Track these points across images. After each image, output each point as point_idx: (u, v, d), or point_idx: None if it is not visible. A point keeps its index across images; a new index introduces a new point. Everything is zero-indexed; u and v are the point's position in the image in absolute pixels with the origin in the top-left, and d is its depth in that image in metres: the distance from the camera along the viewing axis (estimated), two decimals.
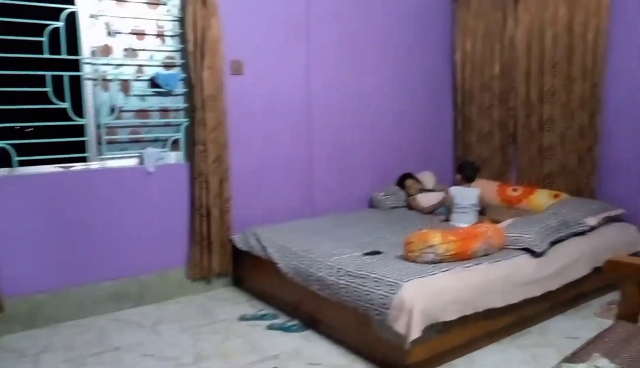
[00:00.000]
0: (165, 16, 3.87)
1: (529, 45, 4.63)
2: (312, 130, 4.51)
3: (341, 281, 2.97)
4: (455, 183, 4.38)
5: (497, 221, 3.66)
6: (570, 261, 3.36)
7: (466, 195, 4.15)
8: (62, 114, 3.53)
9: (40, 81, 3.45)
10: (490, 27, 4.95)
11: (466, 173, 4.34)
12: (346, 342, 3.07)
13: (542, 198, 4.24)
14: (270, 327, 3.34)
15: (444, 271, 2.89)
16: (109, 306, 3.68)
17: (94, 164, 3.67)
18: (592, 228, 3.69)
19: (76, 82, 3.58)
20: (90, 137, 3.64)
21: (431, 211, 4.49)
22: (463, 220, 4.04)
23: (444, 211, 4.37)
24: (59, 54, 3.48)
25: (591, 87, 4.23)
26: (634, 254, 3.80)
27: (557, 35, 4.41)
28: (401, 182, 4.85)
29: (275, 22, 4.24)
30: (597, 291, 3.66)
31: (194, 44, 3.74)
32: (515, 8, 4.72)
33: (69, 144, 3.61)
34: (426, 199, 4.63)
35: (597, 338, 1.90)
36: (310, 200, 4.56)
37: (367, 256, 3.20)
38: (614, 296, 3.55)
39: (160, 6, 3.85)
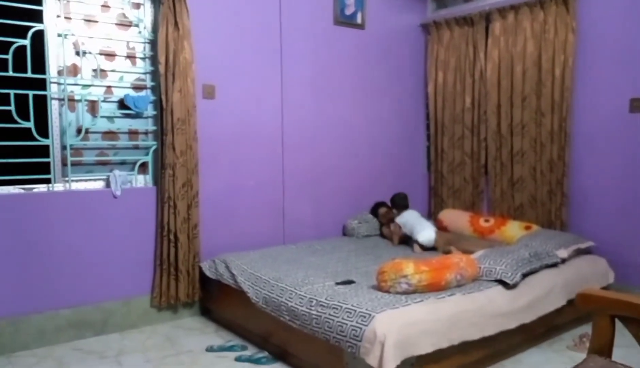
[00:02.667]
0: (137, 38, 3.81)
1: (499, 79, 4.71)
2: (284, 157, 4.47)
3: (312, 312, 2.89)
4: (396, 215, 4.67)
5: (469, 252, 3.64)
6: (543, 293, 3.34)
7: (412, 216, 4.51)
8: (25, 133, 3.41)
9: (4, 99, 3.32)
10: (461, 60, 5.03)
11: (399, 204, 4.77)
12: None
13: (513, 229, 4.25)
14: (238, 359, 3.22)
15: (417, 302, 2.84)
16: (69, 334, 3.51)
17: (58, 187, 3.54)
18: (564, 260, 3.70)
19: (42, 102, 3.46)
20: (54, 158, 3.52)
21: (399, 242, 4.48)
22: (427, 227, 4.33)
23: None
24: (25, 72, 3.37)
25: (559, 121, 4.32)
26: (605, 287, 3.83)
27: (526, 70, 4.51)
28: (374, 210, 4.85)
29: (250, 48, 4.22)
30: (570, 324, 3.65)
31: (165, 66, 3.68)
32: (485, 43, 4.81)
33: (31, 165, 3.48)
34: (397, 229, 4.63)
35: None
36: (282, 227, 4.49)
37: (339, 286, 3.13)
38: (586, 329, 3.55)
39: (132, 27, 3.79)
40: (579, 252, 3.91)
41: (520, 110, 4.56)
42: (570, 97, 4.26)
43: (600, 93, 4.15)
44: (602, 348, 1.98)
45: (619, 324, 1.90)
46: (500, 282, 3.22)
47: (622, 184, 4.05)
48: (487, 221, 4.50)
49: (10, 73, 3.32)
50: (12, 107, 3.33)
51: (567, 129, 4.27)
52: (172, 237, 3.77)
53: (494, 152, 4.78)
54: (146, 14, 3.81)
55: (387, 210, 4.80)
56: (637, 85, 3.94)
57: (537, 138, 4.48)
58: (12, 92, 3.33)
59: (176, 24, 3.69)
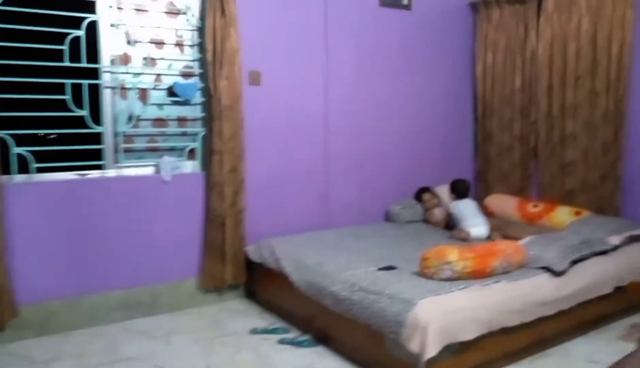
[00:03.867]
0: (185, 26, 3.88)
1: (551, 58, 4.54)
2: (329, 142, 4.48)
3: (354, 297, 2.92)
4: (451, 201, 4.55)
5: (516, 238, 3.56)
6: (592, 281, 3.25)
7: (467, 205, 4.36)
8: (80, 121, 3.56)
9: (60, 88, 3.48)
10: (511, 40, 4.87)
11: (460, 191, 4.56)
12: (358, 359, 3.01)
13: (563, 215, 4.13)
14: (281, 342, 3.30)
15: (461, 288, 2.82)
16: (120, 315, 3.67)
17: (110, 172, 3.68)
18: (616, 248, 3.57)
19: (95, 91, 3.60)
20: (107, 145, 3.66)
21: (444, 225, 4.44)
22: (481, 224, 4.16)
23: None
24: (79, 62, 3.51)
25: (615, 102, 4.13)
26: None
27: (580, 48, 4.32)
28: (419, 196, 4.80)
29: (294, 34, 4.22)
30: (620, 313, 3.54)
31: (212, 53, 3.74)
32: (537, 21, 4.64)
33: (86, 151, 3.63)
34: (441, 214, 4.57)
35: (619, 363, 1.82)
36: (326, 212, 4.51)
37: (381, 272, 3.15)
38: (637, 319, 3.43)
39: (180, 16, 3.87)
40: (633, 239, 3.76)
41: (573, 91, 4.39)
42: (628, 76, 4.06)
43: None
44: None
45: None
46: (548, 270, 3.15)
47: None
48: (535, 206, 4.39)
49: (67, 63, 3.46)
50: (68, 97, 3.48)
51: (624, 110, 4.09)
52: (219, 222, 3.86)
53: (544, 135, 4.63)
54: (194, 1, 3.88)
55: (431, 196, 4.74)
56: None
57: (590, 119, 4.31)
58: (68, 81, 3.48)
59: (223, 11, 3.73)
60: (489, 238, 4.04)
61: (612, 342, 3.26)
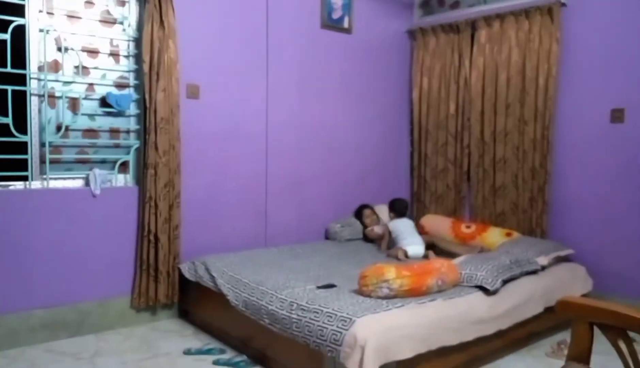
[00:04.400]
0: (121, 35, 3.76)
1: (483, 86, 4.75)
2: (268, 158, 4.44)
3: (293, 316, 2.86)
4: (390, 219, 4.63)
5: (450, 254, 3.64)
6: (523, 300, 3.36)
7: (405, 224, 4.42)
8: (3, 130, 3.34)
9: None
10: (446, 67, 5.06)
11: (398, 210, 4.67)
12: None
13: (494, 236, 4.28)
14: (216, 363, 3.18)
15: (398, 306, 2.83)
16: (43, 335, 3.43)
17: (35, 184, 3.47)
18: (543, 268, 3.73)
19: (21, 98, 3.40)
20: (33, 155, 3.45)
21: (387, 243, 4.47)
22: (417, 243, 4.20)
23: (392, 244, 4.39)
24: (4, 67, 3.30)
25: (542, 129, 4.36)
26: (584, 294, 3.86)
27: (511, 78, 4.54)
28: (358, 213, 4.84)
29: (235, 50, 4.19)
30: (548, 331, 3.67)
31: (149, 65, 3.64)
32: (470, 50, 4.85)
33: (9, 161, 3.40)
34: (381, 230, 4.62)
35: None
36: (264, 230, 4.46)
37: (320, 290, 3.11)
38: (564, 336, 3.57)
39: (116, 25, 3.74)
40: (559, 260, 3.95)
41: (504, 118, 4.59)
42: (553, 106, 4.30)
43: (583, 103, 4.20)
44: (581, 355, 1.99)
45: (597, 331, 1.91)
46: (481, 288, 3.22)
47: (602, 193, 4.10)
48: (468, 227, 4.52)
49: None
50: None
51: (550, 138, 4.31)
52: (152, 238, 3.72)
53: (476, 159, 4.81)
54: (131, 11, 3.77)
55: (371, 212, 4.79)
56: (618, 96, 4.00)
57: (519, 145, 4.52)
58: None
59: (162, 22, 3.65)
60: (425, 256, 4.11)
61: (541, 359, 3.37)
